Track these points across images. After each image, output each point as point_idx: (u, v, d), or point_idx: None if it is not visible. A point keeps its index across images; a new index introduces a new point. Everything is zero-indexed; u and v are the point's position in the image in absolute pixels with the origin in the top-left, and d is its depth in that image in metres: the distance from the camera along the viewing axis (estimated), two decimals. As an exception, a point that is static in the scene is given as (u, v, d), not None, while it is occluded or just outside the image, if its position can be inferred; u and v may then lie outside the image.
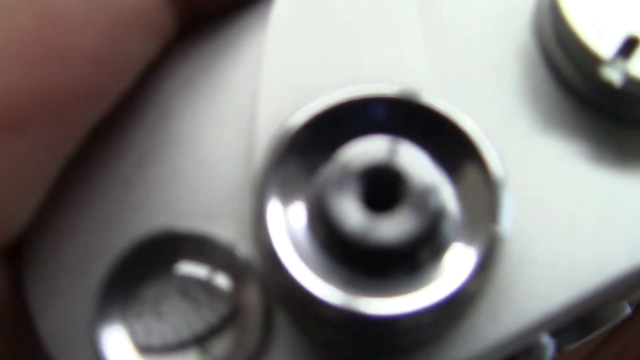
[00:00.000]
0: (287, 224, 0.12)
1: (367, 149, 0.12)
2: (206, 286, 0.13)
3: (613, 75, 0.13)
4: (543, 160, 0.13)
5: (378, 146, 0.12)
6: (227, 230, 0.13)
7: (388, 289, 0.12)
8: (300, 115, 0.12)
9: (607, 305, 0.18)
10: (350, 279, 0.12)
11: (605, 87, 0.13)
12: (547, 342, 0.15)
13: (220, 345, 0.13)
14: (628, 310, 0.18)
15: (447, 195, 0.13)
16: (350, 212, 0.12)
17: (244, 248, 0.13)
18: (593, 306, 0.14)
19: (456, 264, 0.12)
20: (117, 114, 0.14)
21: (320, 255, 0.12)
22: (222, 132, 0.14)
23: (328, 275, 0.12)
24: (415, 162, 0.12)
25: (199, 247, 0.13)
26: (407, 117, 0.13)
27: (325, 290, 0.12)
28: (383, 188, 0.12)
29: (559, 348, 0.20)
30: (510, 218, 0.12)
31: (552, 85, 0.13)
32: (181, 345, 0.13)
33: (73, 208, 0.14)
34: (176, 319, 0.13)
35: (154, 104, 0.14)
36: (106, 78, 0.13)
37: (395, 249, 0.12)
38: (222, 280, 0.13)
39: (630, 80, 0.12)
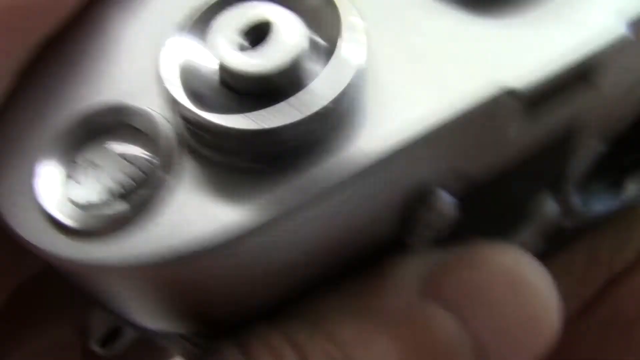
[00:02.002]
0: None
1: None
2: (129, 148, 0.16)
3: None
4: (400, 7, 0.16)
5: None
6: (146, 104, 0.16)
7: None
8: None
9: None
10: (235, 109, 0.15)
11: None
12: (441, 193, 0.16)
13: (141, 195, 0.15)
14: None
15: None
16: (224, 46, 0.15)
17: (160, 114, 0.16)
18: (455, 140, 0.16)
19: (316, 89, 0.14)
20: (65, 29, 0.17)
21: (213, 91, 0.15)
22: (144, 38, 0.17)
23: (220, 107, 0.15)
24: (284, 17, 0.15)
25: (121, 115, 0.16)
26: None
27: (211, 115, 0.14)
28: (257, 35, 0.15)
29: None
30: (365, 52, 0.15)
31: None
32: (110, 200, 0.15)
33: (21, 98, 0.17)
34: (107, 179, 0.16)
35: (92, 21, 0.17)
36: (54, -1, 0.17)
37: (258, 77, 0.14)
38: (143, 142, 0.16)
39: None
